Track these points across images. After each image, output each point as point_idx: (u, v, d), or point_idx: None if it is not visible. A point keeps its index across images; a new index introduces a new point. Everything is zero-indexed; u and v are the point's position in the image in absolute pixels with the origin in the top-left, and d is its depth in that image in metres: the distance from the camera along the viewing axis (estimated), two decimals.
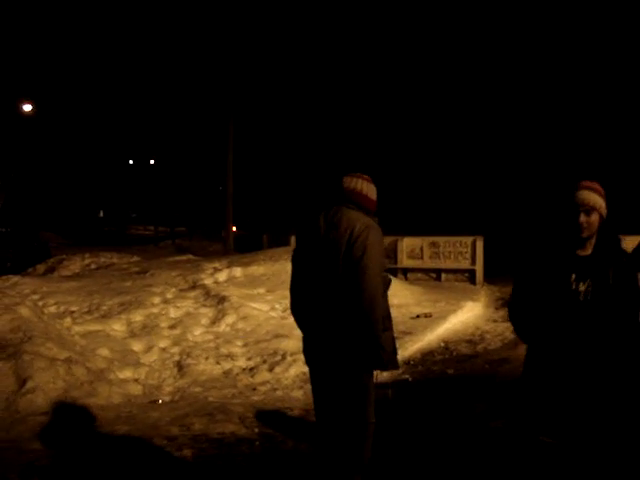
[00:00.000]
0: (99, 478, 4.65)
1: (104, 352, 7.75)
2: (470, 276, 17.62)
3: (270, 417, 6.07)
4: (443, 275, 17.90)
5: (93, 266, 16.63)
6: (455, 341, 10.02)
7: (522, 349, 9.28)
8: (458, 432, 5.64)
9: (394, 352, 3.87)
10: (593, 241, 3.68)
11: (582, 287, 3.57)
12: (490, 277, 17.85)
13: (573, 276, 3.60)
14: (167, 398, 6.85)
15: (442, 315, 11.45)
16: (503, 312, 13.18)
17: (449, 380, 7.67)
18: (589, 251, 3.67)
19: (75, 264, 16.61)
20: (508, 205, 27.62)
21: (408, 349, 9.10)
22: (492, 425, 5.76)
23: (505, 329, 10.94)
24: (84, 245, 30.19)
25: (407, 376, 7.84)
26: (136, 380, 7.27)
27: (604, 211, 3.69)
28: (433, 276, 17.97)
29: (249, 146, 35.11)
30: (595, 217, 3.64)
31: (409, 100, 32.80)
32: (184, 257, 17.28)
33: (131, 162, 66.43)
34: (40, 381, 6.23)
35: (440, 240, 18.21)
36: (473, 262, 17.67)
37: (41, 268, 16.65)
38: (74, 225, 50.27)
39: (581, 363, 3.59)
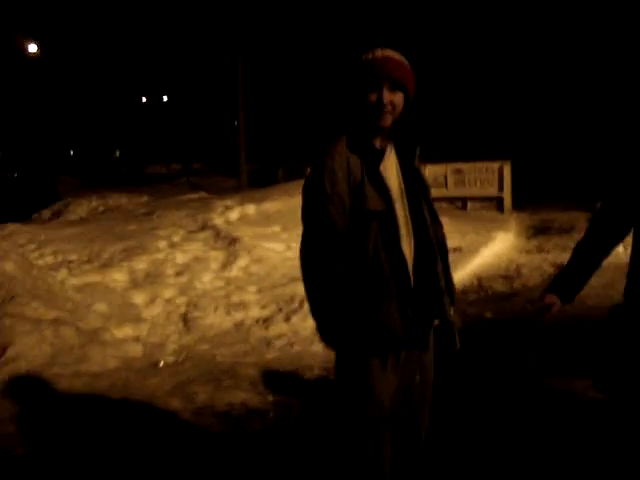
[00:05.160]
0: (80, 469, 3.89)
1: (101, 307, 6.94)
2: (498, 204, 16.72)
3: (286, 380, 5.27)
4: (469, 203, 17.02)
5: (101, 209, 15.85)
6: (489, 277, 9.14)
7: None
8: (509, 392, 4.81)
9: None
10: None
11: None
12: (518, 204, 16.93)
13: None
14: (170, 358, 6.05)
15: (473, 248, 10.54)
16: (536, 241, 12.31)
17: (488, 325, 6.82)
18: None
19: (82, 207, 15.82)
20: (537, 128, 26.25)
21: None
22: (546, 382, 4.92)
23: (542, 261, 10.06)
24: (101, 186, 29.39)
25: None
26: (136, 339, 6.46)
27: None
28: (458, 205, 17.07)
29: (262, 77, 33.84)
30: None
31: (429, 20, 31.08)
32: (195, 195, 16.41)
33: (144, 100, 65.22)
34: (23, 348, 5.46)
35: (465, 166, 17.25)
36: (500, 189, 16.78)
37: (46, 213, 15.89)
38: (91, 167, 49.63)
39: None
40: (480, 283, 8.81)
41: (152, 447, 4.15)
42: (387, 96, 2.56)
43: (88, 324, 6.31)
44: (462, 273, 9.11)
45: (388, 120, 2.60)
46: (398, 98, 2.59)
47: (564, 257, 10.72)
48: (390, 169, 2.66)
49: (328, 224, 2.58)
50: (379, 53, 2.60)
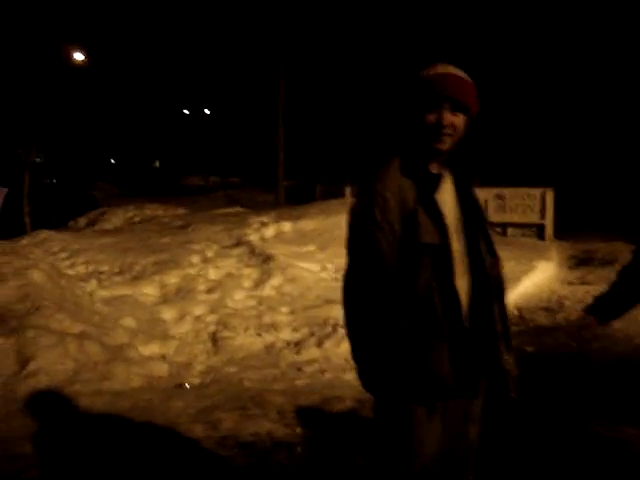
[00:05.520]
0: None
1: (128, 322, 6.76)
2: (538, 231, 16.31)
3: (316, 411, 4.99)
4: (509, 230, 16.62)
5: (137, 219, 15.77)
6: (530, 308, 8.80)
7: (613, 323, 8.01)
8: (554, 437, 4.49)
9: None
10: None
11: None
12: (560, 232, 16.48)
13: None
14: (196, 380, 5.84)
15: (514, 277, 10.17)
16: (578, 272, 11.87)
17: (530, 359, 6.48)
18: None
19: (117, 217, 15.77)
20: (581, 156, 25.69)
21: None
22: (593, 429, 4.59)
23: (585, 294, 9.65)
24: (138, 195, 29.40)
25: None
26: (162, 357, 6.26)
27: None
28: (498, 231, 16.66)
29: (304, 93, 33.72)
30: None
31: (474, 41, 30.63)
32: (232, 209, 16.25)
33: (186, 112, 65.64)
34: (45, 362, 5.28)
35: (506, 192, 16.86)
36: (542, 216, 16.34)
37: (82, 221, 15.89)
38: (130, 176, 49.97)
39: None
40: (521, 314, 8.48)
41: (172, 477, 3.92)
42: (448, 117, 2.29)
43: (114, 339, 6.12)
44: None
45: (447, 143, 2.33)
46: (459, 120, 2.32)
47: None
48: (447, 197, 2.39)
49: (377, 256, 2.30)
50: (441, 70, 2.34)
